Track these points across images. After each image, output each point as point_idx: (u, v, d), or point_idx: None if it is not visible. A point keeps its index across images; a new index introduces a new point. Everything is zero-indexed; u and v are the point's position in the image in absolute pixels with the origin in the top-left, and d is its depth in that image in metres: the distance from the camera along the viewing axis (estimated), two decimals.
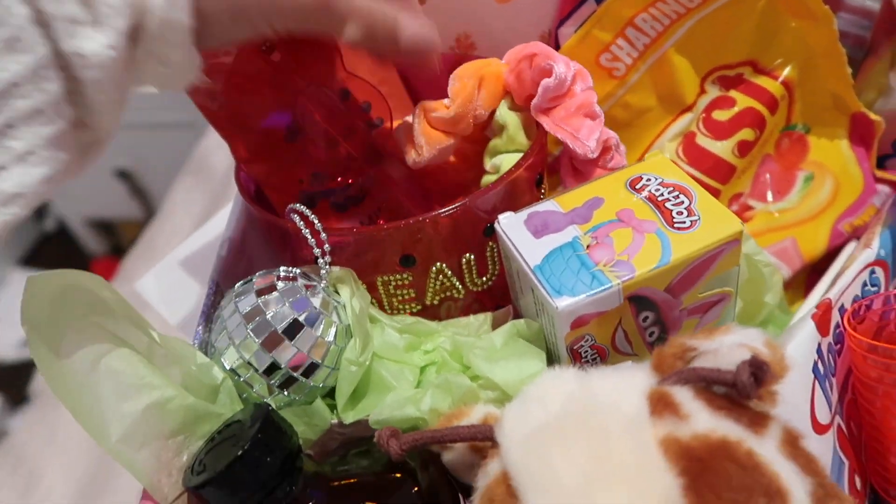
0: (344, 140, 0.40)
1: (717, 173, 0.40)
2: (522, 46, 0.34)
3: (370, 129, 0.42)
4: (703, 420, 0.22)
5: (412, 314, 0.34)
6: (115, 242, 1.75)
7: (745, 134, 0.40)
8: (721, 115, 0.40)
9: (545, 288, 0.28)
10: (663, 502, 0.21)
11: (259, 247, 0.37)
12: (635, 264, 0.28)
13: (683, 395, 0.23)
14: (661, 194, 0.31)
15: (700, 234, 0.29)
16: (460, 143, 0.38)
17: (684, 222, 0.29)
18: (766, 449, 0.22)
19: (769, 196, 0.42)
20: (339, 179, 0.39)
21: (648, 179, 0.32)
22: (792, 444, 0.23)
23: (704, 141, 0.40)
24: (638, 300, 0.29)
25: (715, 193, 0.41)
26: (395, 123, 0.40)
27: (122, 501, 0.59)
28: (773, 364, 0.24)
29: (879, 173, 0.40)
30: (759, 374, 0.23)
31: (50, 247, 1.79)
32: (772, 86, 0.39)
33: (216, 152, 0.87)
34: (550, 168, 0.40)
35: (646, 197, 0.31)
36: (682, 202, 0.30)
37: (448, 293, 0.34)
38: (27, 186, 0.21)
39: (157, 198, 1.61)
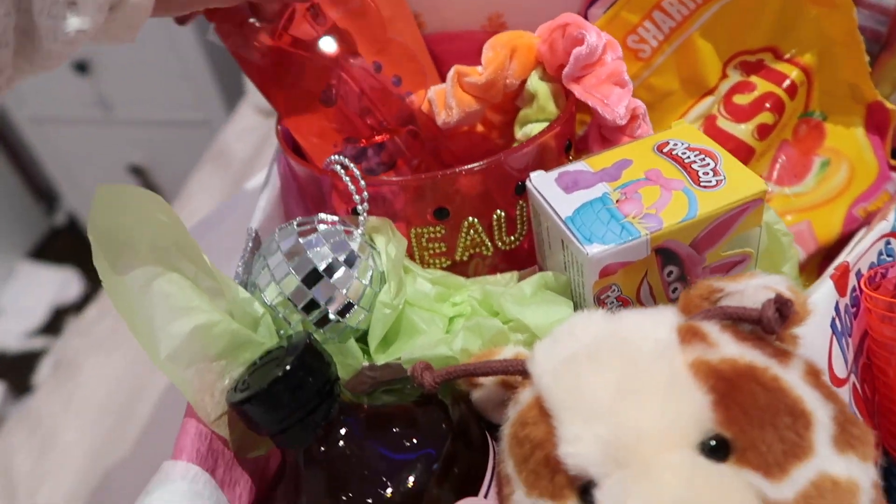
0: (377, 108, 0.41)
1: (737, 155, 0.41)
2: (556, 19, 0.36)
3: (401, 99, 0.43)
4: (730, 349, 0.24)
5: (441, 269, 0.35)
6: None
7: (765, 117, 0.41)
8: (742, 99, 0.42)
9: (576, 236, 0.29)
10: (693, 416, 0.22)
11: (297, 201, 0.39)
12: (663, 217, 0.29)
13: (711, 328, 0.24)
14: (688, 157, 0.32)
15: (725, 192, 0.30)
16: (490, 113, 0.40)
17: (710, 181, 0.31)
18: (791, 376, 0.23)
19: (786, 180, 0.43)
20: (370, 142, 0.40)
21: (675, 144, 0.33)
22: (814, 375, 0.24)
23: (725, 124, 0.42)
24: (664, 253, 0.30)
25: None
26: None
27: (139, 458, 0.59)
28: (797, 305, 0.25)
29: (894, 161, 0.42)
30: (783, 310, 0.24)
31: (59, 240, 1.80)
32: (792, 71, 0.41)
33: (235, 142, 0.89)
34: (578, 143, 0.41)
35: (673, 159, 0.32)
36: (708, 164, 0.32)
37: (477, 249, 0.35)
38: None
39: (170, 195, 1.63)
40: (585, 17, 0.42)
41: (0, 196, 1.68)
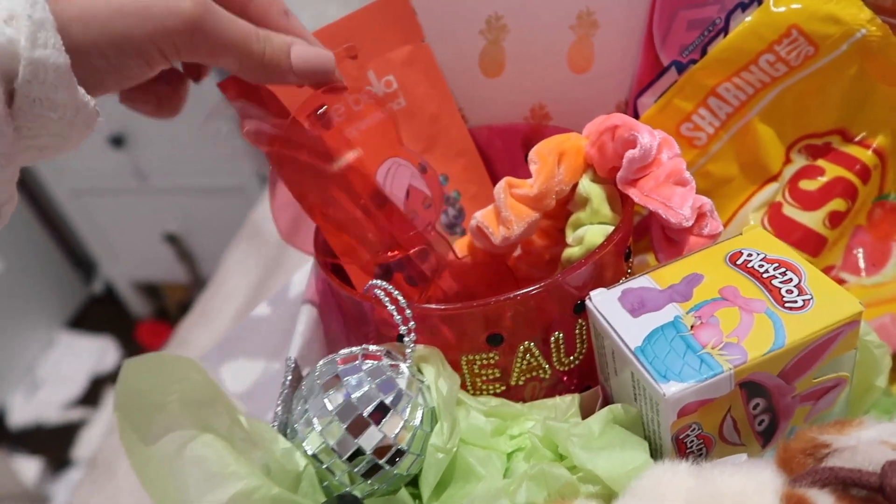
0: (424, 212, 0.39)
1: (806, 245, 0.38)
2: (603, 118, 0.33)
3: (447, 203, 0.41)
4: None
5: (495, 395, 0.32)
6: (161, 305, 1.77)
7: (836, 204, 0.38)
8: (809, 185, 0.39)
9: (650, 372, 0.26)
10: None
11: (337, 319, 0.36)
12: (747, 347, 0.26)
13: (823, 500, 0.21)
14: (766, 271, 0.29)
15: (815, 315, 0.27)
16: (548, 217, 0.38)
17: (796, 301, 0.28)
18: None
19: (863, 269, 0.39)
20: (415, 250, 0.38)
21: (750, 254, 0.30)
22: None
23: (792, 211, 0.39)
24: (749, 386, 0.27)
25: None
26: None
27: None
28: None
29: None
30: None
31: (97, 309, 1.82)
32: (863, 154, 0.38)
33: (270, 219, 0.88)
34: (636, 231, 0.38)
35: (749, 273, 0.29)
36: (791, 279, 0.28)
37: (534, 373, 0.32)
38: None
39: (204, 262, 1.64)
40: (635, 107, 0.40)
41: (40, 267, 1.70)
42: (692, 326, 0.28)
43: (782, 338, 0.26)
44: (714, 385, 0.26)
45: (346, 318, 0.36)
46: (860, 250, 0.40)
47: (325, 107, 0.36)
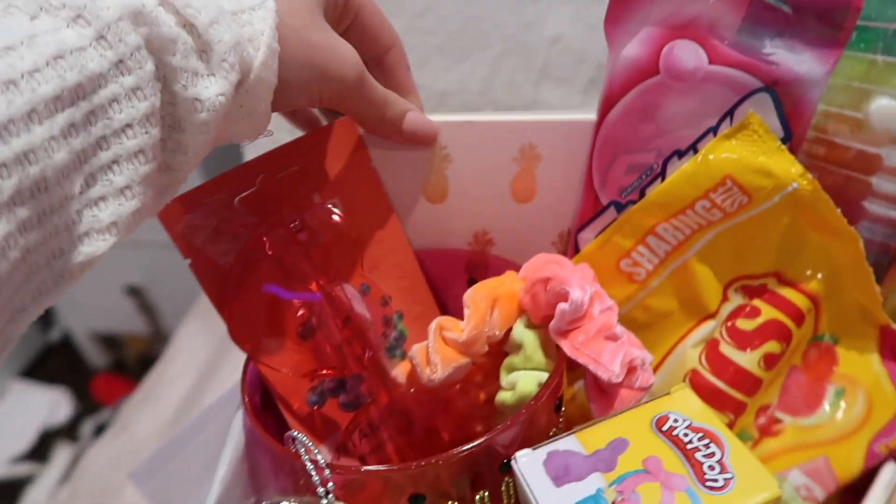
0: (360, 337, 0.39)
1: (741, 385, 0.38)
2: (537, 268, 0.34)
3: (388, 325, 0.40)
4: None
5: None
6: (120, 357, 1.73)
7: (771, 346, 0.38)
8: (745, 325, 0.39)
9: None
10: None
11: (265, 459, 0.35)
12: None
13: None
14: (691, 441, 0.29)
15: (734, 497, 0.27)
16: (483, 356, 0.37)
17: (717, 480, 0.27)
18: None
19: (798, 410, 0.40)
20: (350, 376, 0.38)
21: (676, 420, 0.30)
22: None
23: (728, 350, 0.39)
24: None
25: (741, 406, 0.39)
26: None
27: None
28: None
29: None
30: None
31: (53, 358, 1.77)
32: (797, 298, 0.38)
33: None
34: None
35: (674, 442, 0.29)
36: (714, 454, 0.28)
37: None
38: (121, 217, 0.24)
39: (166, 315, 1.61)
40: (576, 241, 0.40)
41: None
42: (613, 502, 0.27)
43: None
44: None
45: (272, 460, 0.35)
46: (796, 390, 0.40)
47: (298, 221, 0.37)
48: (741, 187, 0.36)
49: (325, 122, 0.40)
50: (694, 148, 0.36)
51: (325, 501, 0.29)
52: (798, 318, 0.38)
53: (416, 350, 0.34)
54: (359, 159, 0.39)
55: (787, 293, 0.38)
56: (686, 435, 0.29)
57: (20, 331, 0.23)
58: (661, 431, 0.30)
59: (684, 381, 0.39)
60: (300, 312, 0.37)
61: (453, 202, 0.41)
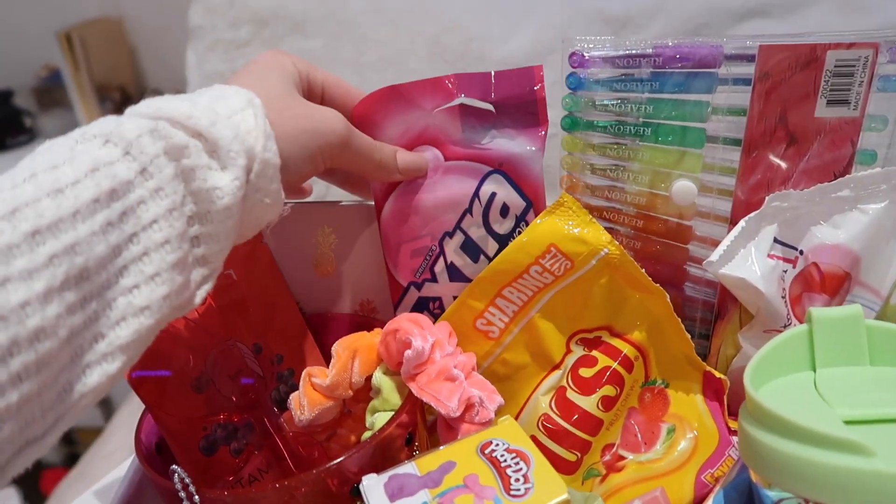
0: (251, 390, 0.44)
1: (585, 426, 0.44)
2: (391, 321, 0.40)
3: (278, 382, 0.46)
4: None
5: None
6: (74, 451, 1.71)
7: (607, 390, 0.44)
8: (586, 373, 0.45)
9: None
10: None
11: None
12: None
13: None
14: (505, 460, 0.35)
15: (531, 502, 0.32)
16: (353, 402, 0.43)
17: (519, 489, 0.33)
18: None
19: (637, 447, 0.45)
20: (242, 425, 0.43)
21: (497, 444, 0.36)
22: None
23: (573, 395, 0.45)
24: None
25: (587, 444, 0.44)
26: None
27: None
28: None
29: (733, 423, 0.45)
30: None
31: None
32: (626, 348, 0.45)
33: None
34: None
35: (491, 462, 0.35)
36: (521, 469, 0.34)
37: None
38: (153, 301, 0.28)
39: (123, 407, 1.61)
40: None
41: None
42: None
43: None
44: None
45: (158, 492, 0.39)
46: (635, 429, 0.46)
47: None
48: (563, 254, 0.43)
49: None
50: (459, 227, 0.45)
51: None
52: (627, 364, 0.45)
53: (292, 396, 0.40)
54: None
55: (617, 343, 0.45)
56: (502, 455, 0.35)
57: (77, 406, 0.26)
58: (483, 454, 0.35)
59: (537, 425, 0.45)
60: (195, 366, 0.43)
61: (339, 274, 0.48)
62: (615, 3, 0.87)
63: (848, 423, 0.31)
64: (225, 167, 0.31)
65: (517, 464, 0.34)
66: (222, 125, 0.31)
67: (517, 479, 0.33)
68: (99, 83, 1.60)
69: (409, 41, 0.87)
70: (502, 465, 0.34)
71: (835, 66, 0.42)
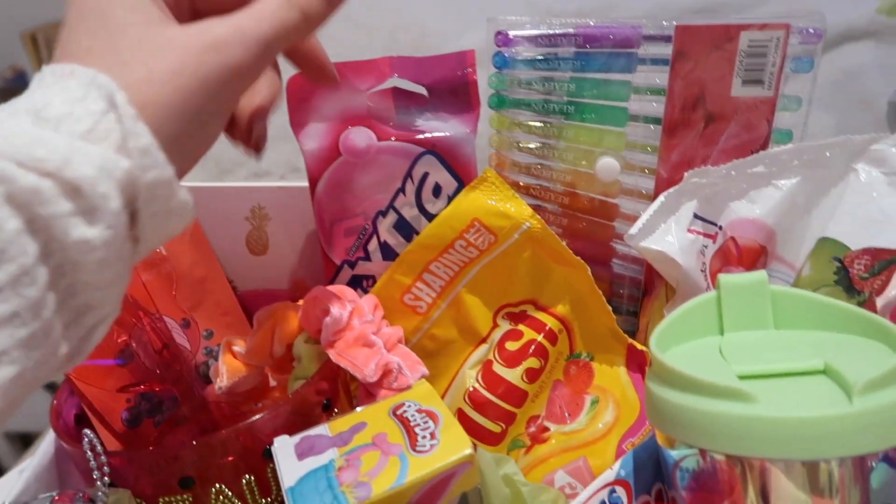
0: (178, 363, 0.44)
1: (510, 398, 0.45)
2: (312, 290, 0.40)
3: (207, 356, 0.46)
4: None
5: None
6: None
7: (532, 362, 0.45)
8: (512, 346, 0.46)
9: None
10: None
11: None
12: (373, 485, 0.31)
13: None
14: (415, 419, 0.35)
15: (435, 457, 0.33)
16: (273, 372, 0.43)
17: (425, 446, 0.33)
18: None
19: (561, 418, 0.46)
20: (167, 397, 0.43)
21: (408, 406, 0.36)
22: None
23: (499, 368, 0.45)
24: None
25: (511, 416, 0.45)
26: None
27: None
28: None
29: None
30: None
31: None
32: (550, 321, 0.46)
33: None
34: None
35: (401, 421, 0.35)
36: (429, 427, 0.34)
37: None
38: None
39: None
40: None
41: None
42: (340, 468, 0.33)
43: (404, 476, 0.32)
44: None
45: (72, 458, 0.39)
46: (559, 401, 0.46)
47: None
48: (487, 228, 0.44)
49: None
50: (392, 206, 0.46)
51: (99, 484, 0.34)
52: (551, 337, 0.46)
53: (214, 365, 0.40)
54: None
55: (542, 317, 0.46)
56: (413, 416, 0.35)
57: None
58: (395, 415, 0.36)
59: (464, 398, 0.46)
60: (121, 339, 0.43)
61: (272, 254, 0.49)
62: (569, 3, 0.89)
63: (742, 377, 0.32)
64: (93, 216, 0.23)
65: (426, 423, 0.35)
66: (79, 158, 0.22)
67: (424, 437, 0.34)
68: None
69: (366, 36, 0.88)
70: (412, 424, 0.35)
71: (748, 47, 0.43)
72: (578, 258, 0.44)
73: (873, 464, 0.30)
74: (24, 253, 0.22)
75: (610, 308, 0.45)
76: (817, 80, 0.44)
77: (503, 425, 0.45)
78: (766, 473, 0.30)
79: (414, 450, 0.33)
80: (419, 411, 0.36)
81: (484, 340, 0.47)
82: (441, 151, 0.45)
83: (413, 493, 0.32)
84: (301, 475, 0.33)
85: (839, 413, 0.28)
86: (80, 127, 0.23)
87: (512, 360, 0.45)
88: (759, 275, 0.37)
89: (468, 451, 0.33)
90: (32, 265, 0.22)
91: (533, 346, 0.45)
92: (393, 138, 0.44)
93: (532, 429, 0.46)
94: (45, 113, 0.23)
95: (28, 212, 0.22)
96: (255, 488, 0.36)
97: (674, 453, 0.35)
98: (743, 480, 0.31)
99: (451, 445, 0.33)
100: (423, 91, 0.45)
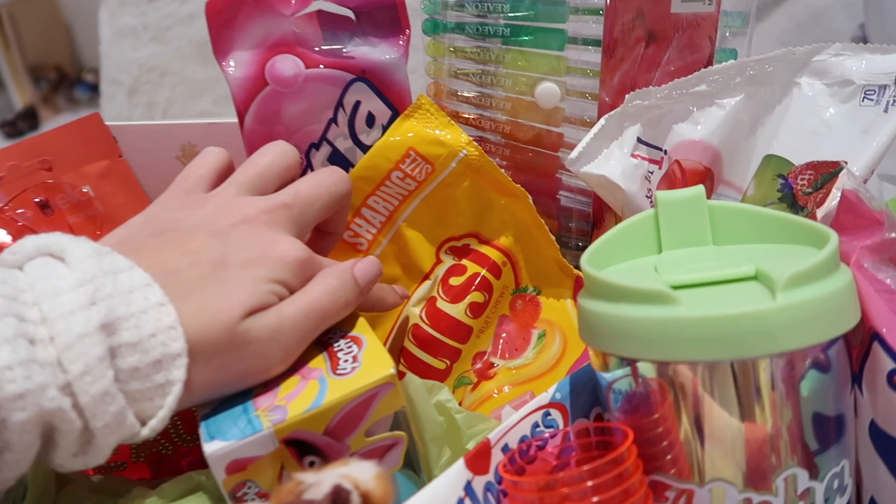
0: None
1: (454, 334, 0.44)
2: None
3: None
4: None
5: (119, 473, 0.35)
6: None
7: (475, 297, 0.44)
8: (455, 281, 0.45)
9: (202, 434, 0.30)
10: None
11: None
12: (289, 408, 0.30)
13: None
14: (339, 345, 0.34)
15: (354, 379, 0.31)
16: None
17: (346, 369, 0.32)
18: None
19: (508, 353, 0.45)
20: None
21: (334, 333, 0.35)
22: None
23: (442, 304, 0.44)
24: (297, 444, 0.30)
25: (456, 353, 0.44)
26: None
27: None
28: (377, 495, 0.25)
29: None
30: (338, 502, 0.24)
31: None
32: (493, 254, 0.44)
33: None
34: None
35: (325, 348, 0.34)
36: (352, 351, 0.33)
37: (155, 449, 0.35)
38: None
39: None
40: None
41: None
42: (257, 395, 0.32)
43: (322, 398, 0.31)
44: (255, 443, 0.30)
45: None
46: (505, 337, 0.45)
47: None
48: (423, 157, 0.42)
49: None
50: (325, 138, 0.44)
51: None
52: (495, 270, 0.44)
53: None
54: (108, 150, 0.45)
55: (485, 250, 0.45)
56: (337, 343, 0.34)
57: None
58: (319, 343, 0.35)
59: (408, 335, 0.44)
60: None
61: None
62: None
63: (674, 287, 0.31)
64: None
65: (349, 347, 0.34)
66: (109, 399, 0.27)
67: (346, 361, 0.33)
68: (33, 63, 1.57)
69: None
70: (335, 349, 0.34)
71: None
72: (519, 187, 0.43)
73: (803, 373, 0.29)
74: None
75: (554, 238, 0.44)
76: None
77: (448, 362, 0.44)
78: (700, 402, 0.29)
79: (334, 373, 0.32)
80: (344, 338, 0.35)
81: (427, 276, 0.45)
82: (372, 78, 0.43)
83: (332, 415, 0.31)
84: (216, 404, 0.32)
85: (761, 308, 0.27)
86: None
87: (455, 296, 0.44)
88: (697, 189, 0.36)
89: (390, 370, 0.32)
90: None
91: (477, 280, 0.44)
92: (322, 66, 0.43)
93: (478, 365, 0.45)
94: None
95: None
96: (180, 424, 0.35)
97: (607, 375, 0.34)
98: (676, 408, 0.30)
99: (372, 367, 0.32)
100: (350, 14, 0.43)
